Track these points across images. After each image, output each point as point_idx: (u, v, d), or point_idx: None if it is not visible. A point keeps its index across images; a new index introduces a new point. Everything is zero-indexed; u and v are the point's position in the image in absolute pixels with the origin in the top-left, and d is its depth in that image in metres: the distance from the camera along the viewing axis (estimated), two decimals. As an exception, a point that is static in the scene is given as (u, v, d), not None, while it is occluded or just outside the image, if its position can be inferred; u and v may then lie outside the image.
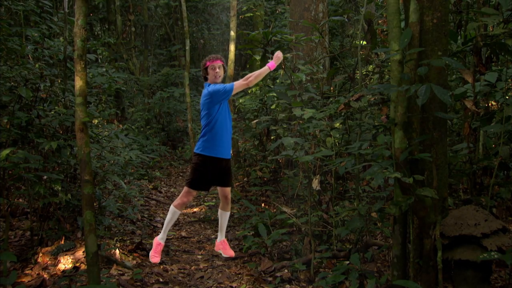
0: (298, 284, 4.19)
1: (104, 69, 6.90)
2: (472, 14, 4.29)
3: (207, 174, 3.98)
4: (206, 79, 4.04)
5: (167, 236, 4.31)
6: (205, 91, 3.95)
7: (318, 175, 4.62)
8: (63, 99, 5.28)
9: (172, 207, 4.08)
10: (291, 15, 7.40)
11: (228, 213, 4.30)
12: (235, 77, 12.52)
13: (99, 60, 11.59)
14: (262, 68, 3.97)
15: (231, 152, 4.17)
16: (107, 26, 13.26)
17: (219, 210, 4.27)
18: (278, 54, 4.08)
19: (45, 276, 4.04)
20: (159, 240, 4.13)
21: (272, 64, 3.99)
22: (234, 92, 3.92)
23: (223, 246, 4.39)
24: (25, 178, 4.34)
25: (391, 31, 3.37)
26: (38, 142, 4.55)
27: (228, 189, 4.17)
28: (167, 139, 12.33)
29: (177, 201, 4.07)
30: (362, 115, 4.64)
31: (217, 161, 4.00)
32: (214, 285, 4.31)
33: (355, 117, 4.91)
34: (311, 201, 4.73)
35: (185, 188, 4.03)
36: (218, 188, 4.16)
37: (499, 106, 4.34)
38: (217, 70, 3.96)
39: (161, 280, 4.33)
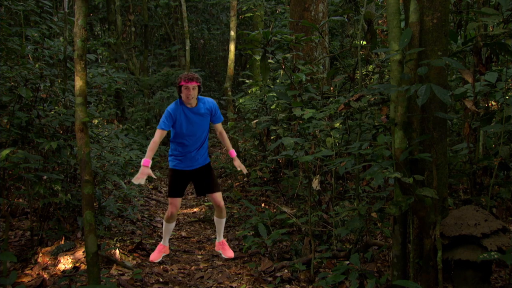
0: (298, 284, 4.19)
1: (104, 69, 6.91)
2: (472, 14, 4.29)
3: (179, 181, 4.17)
4: (180, 96, 4.03)
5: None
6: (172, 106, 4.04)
7: (318, 175, 4.62)
8: (63, 99, 5.28)
9: (164, 222, 4.34)
10: (291, 15, 7.39)
11: (224, 220, 4.41)
12: (235, 77, 12.54)
13: (99, 60, 11.59)
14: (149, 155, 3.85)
15: (202, 161, 4.21)
16: (107, 26, 13.27)
17: (215, 218, 4.38)
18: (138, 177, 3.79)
19: (45, 276, 4.04)
20: (161, 243, 4.33)
21: (147, 162, 3.81)
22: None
23: (222, 247, 4.43)
24: (25, 178, 4.33)
25: (391, 31, 3.36)
26: (38, 142, 4.55)
27: (217, 194, 4.24)
28: (167, 139, 12.31)
29: (166, 215, 4.29)
30: (362, 115, 4.64)
31: (187, 171, 4.18)
32: (214, 285, 4.31)
33: (355, 117, 4.91)
34: (311, 201, 4.73)
35: (169, 200, 4.24)
36: (208, 196, 4.26)
37: (499, 106, 4.34)
38: (190, 91, 3.92)
39: (161, 280, 4.33)
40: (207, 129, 4.20)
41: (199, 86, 3.99)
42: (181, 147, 4.10)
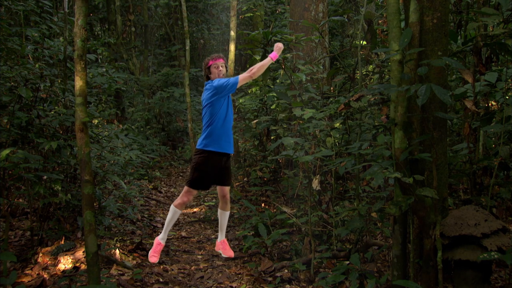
0: (298, 284, 4.19)
1: (104, 69, 6.91)
2: (472, 14, 4.29)
3: (207, 172, 4.02)
4: (208, 78, 4.09)
5: (167, 236, 4.35)
6: (209, 86, 4.00)
7: (318, 175, 4.62)
8: (63, 99, 5.28)
9: (172, 207, 4.13)
10: (291, 15, 7.40)
11: (228, 213, 4.33)
12: (235, 77, 12.53)
13: (99, 60, 11.58)
14: (264, 60, 4.00)
15: (233, 149, 4.22)
16: (107, 26, 13.26)
17: (219, 210, 4.29)
18: (279, 45, 4.10)
19: (45, 276, 4.04)
20: (159, 240, 4.19)
21: (274, 54, 4.01)
22: (238, 85, 3.97)
23: (223, 246, 4.41)
24: (25, 178, 4.33)
25: (391, 31, 3.37)
26: (38, 142, 4.55)
27: (227, 188, 4.20)
28: (167, 139, 12.33)
29: (177, 200, 4.12)
30: (362, 115, 4.64)
31: (219, 157, 4.04)
32: (214, 285, 4.31)
33: (355, 117, 4.91)
34: (311, 201, 4.73)
35: (185, 188, 4.06)
36: (218, 187, 4.19)
37: (499, 106, 4.34)
38: (220, 68, 4.08)
39: (161, 280, 4.33)
40: None
41: (225, 64, 4.14)
42: (220, 127, 4.00)
